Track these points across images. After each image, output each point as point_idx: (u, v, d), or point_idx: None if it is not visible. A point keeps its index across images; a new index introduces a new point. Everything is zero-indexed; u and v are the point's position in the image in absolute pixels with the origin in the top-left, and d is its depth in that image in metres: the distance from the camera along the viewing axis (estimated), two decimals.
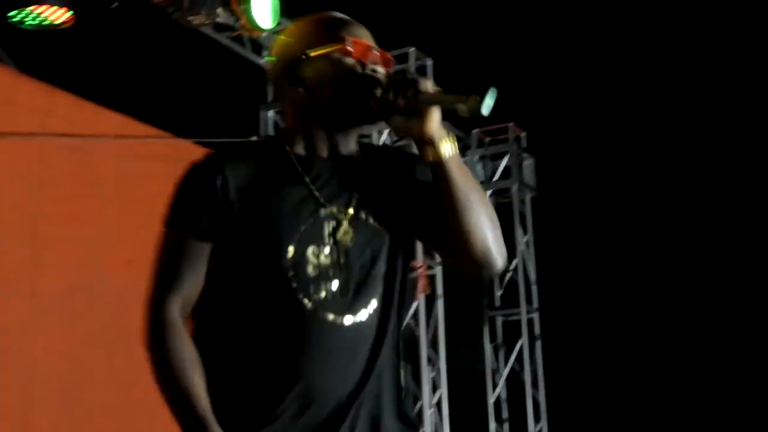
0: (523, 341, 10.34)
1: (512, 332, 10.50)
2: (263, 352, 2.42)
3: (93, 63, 8.33)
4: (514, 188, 10.49)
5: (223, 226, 2.46)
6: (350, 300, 2.48)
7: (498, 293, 10.57)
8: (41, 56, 7.50)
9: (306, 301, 2.43)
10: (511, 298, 10.52)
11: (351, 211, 2.54)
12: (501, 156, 10.61)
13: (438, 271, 8.75)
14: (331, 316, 2.44)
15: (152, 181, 7.77)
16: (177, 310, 2.45)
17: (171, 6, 7.09)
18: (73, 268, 7.04)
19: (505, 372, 10.40)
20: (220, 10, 7.52)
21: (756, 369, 11.28)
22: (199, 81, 9.16)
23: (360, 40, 2.53)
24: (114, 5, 6.80)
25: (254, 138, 9.15)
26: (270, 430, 2.38)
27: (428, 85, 2.41)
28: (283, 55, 2.58)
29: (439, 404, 8.80)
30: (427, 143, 2.44)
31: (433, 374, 8.75)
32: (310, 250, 2.47)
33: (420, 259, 8.57)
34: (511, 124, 10.57)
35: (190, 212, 2.49)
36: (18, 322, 6.67)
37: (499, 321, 10.57)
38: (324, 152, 2.56)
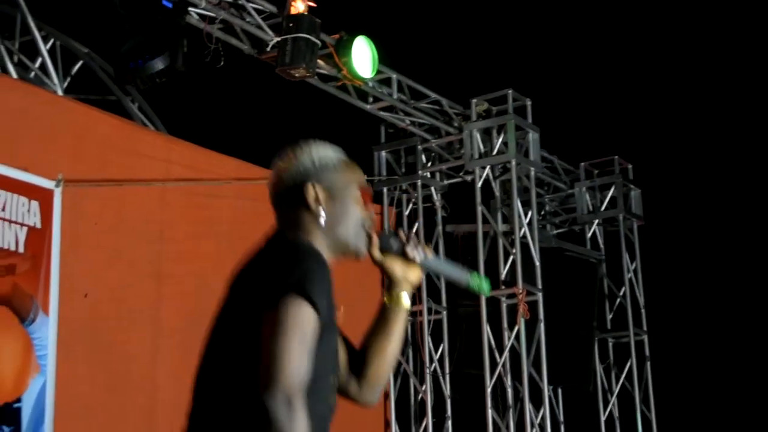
0: (632, 362, 10.26)
1: (623, 353, 10.43)
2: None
3: (211, 115, 8.64)
4: (620, 217, 10.44)
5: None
6: None
7: (609, 317, 10.52)
8: (162, 111, 7.85)
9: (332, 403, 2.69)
10: (621, 321, 10.45)
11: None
12: (608, 187, 10.58)
13: (539, 297, 8.79)
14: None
15: (266, 220, 8.08)
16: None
17: (275, 61, 7.35)
18: (192, 301, 7.36)
19: (616, 391, 10.33)
20: (322, 63, 7.78)
21: None
22: (313, 126, 9.38)
23: (367, 188, 2.75)
24: (220, 64, 7.08)
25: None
26: None
27: (429, 251, 2.76)
28: (301, 178, 2.71)
29: (542, 424, 8.81)
30: (403, 290, 2.76)
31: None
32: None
33: (520, 285, 8.63)
34: (616, 157, 10.53)
35: (327, 305, 2.51)
36: (142, 350, 7.01)
37: (610, 343, 10.50)
38: None
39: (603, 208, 10.57)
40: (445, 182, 9.70)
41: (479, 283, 2.74)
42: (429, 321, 9.20)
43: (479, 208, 9.01)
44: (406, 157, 9.56)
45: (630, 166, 10.67)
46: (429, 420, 9.09)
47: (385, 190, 9.47)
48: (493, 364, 8.72)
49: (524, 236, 9.01)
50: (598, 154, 10.62)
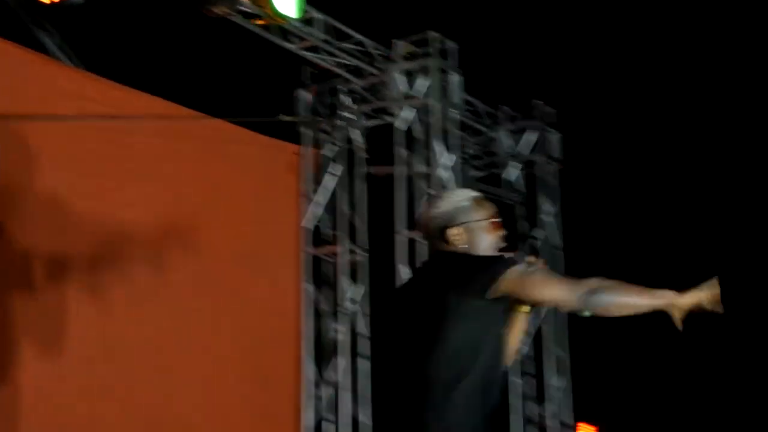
0: None
1: None
2: None
3: (128, 50, 8.40)
4: (541, 161, 10.44)
5: None
6: None
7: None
8: (77, 45, 7.63)
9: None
10: None
11: None
12: (528, 130, 10.56)
13: None
14: None
15: (181, 157, 7.95)
16: None
17: None
18: (101, 234, 7.20)
19: (532, 332, 10.37)
20: (245, 0, 7.57)
21: None
22: (235, 65, 9.17)
23: (496, 218, 3.57)
24: None
25: (285, 118, 9.27)
26: None
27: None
28: (443, 223, 3.50)
29: None
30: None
31: None
32: None
33: None
34: (539, 101, 10.51)
35: None
36: (46, 285, 6.87)
37: None
38: None
39: (524, 151, 10.55)
40: (368, 123, 9.59)
41: None
42: (349, 262, 9.22)
43: (399, 150, 8.94)
44: (330, 98, 9.44)
45: (551, 110, 10.65)
46: (341, 358, 9.09)
47: (307, 131, 9.36)
48: None
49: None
50: (520, 99, 10.58)
